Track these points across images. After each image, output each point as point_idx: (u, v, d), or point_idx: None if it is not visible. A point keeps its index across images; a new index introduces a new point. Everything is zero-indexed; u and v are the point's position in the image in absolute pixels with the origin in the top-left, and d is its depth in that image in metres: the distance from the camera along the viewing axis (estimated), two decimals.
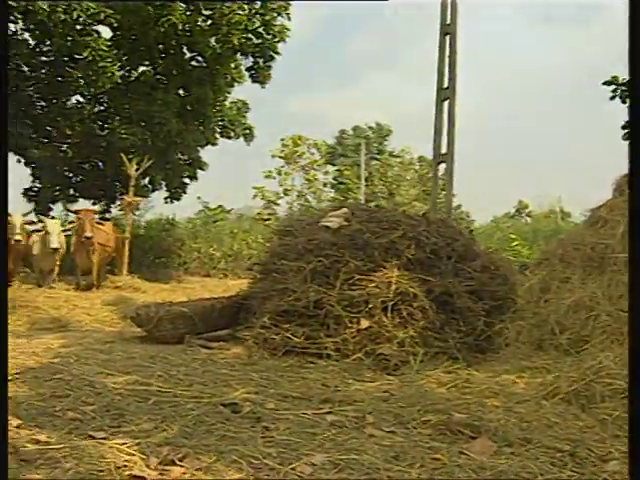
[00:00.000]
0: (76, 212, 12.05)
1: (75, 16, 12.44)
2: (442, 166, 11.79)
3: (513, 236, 17.99)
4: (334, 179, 38.78)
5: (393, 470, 2.79)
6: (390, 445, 3.12)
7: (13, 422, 3.22)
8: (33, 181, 18.59)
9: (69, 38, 13.26)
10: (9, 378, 4.17)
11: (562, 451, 3.06)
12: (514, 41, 71.86)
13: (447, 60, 11.56)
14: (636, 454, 2.34)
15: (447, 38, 11.64)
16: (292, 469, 2.77)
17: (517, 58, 68.51)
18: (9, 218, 10.53)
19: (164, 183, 17.96)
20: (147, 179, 17.16)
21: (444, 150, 11.45)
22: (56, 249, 11.09)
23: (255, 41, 15.95)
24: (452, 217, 11.84)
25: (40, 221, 11.67)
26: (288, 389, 4.22)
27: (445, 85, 11.55)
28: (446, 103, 11.47)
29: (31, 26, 14.70)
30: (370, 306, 5.52)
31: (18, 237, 10.48)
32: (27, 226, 11.14)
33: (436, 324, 5.55)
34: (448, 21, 11.67)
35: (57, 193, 18.22)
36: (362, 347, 5.30)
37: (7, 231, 10.42)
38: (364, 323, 5.44)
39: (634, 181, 2.83)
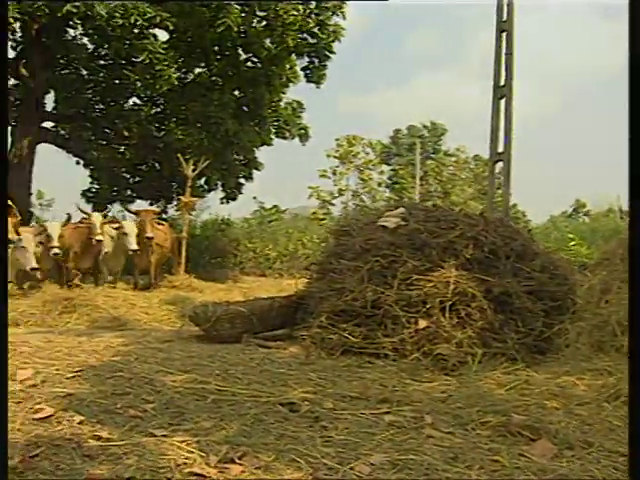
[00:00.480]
0: (136, 212, 12.23)
1: (132, 20, 12.65)
2: (498, 165, 11.67)
3: (571, 235, 17.65)
4: (389, 179, 38.74)
5: (452, 471, 2.76)
6: (449, 446, 3.08)
7: (76, 418, 3.28)
8: (92, 182, 19.00)
9: (126, 42, 13.48)
10: (71, 375, 4.26)
11: (624, 455, 2.99)
12: (572, 38, 70.82)
13: (504, 58, 11.42)
14: (636, 454, 2.32)
15: (503, 35, 11.50)
16: (351, 469, 2.76)
17: (575, 55, 67.44)
18: (91, 219, 10.78)
19: (220, 183, 18.12)
20: (203, 179, 17.33)
21: (501, 149, 11.33)
22: (135, 250, 11.26)
23: (310, 41, 16.00)
24: (509, 216, 11.69)
25: (117, 221, 11.78)
26: (346, 389, 4.19)
27: (502, 83, 11.41)
28: (503, 101, 11.34)
29: (89, 31, 15.03)
30: (428, 306, 5.48)
31: (99, 237, 10.63)
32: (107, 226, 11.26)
33: (495, 324, 5.48)
34: (504, 18, 11.53)
35: (115, 194, 18.57)
36: (420, 347, 5.26)
37: (91, 231, 10.62)
38: (422, 323, 5.40)
39: (634, 180, 2.80)
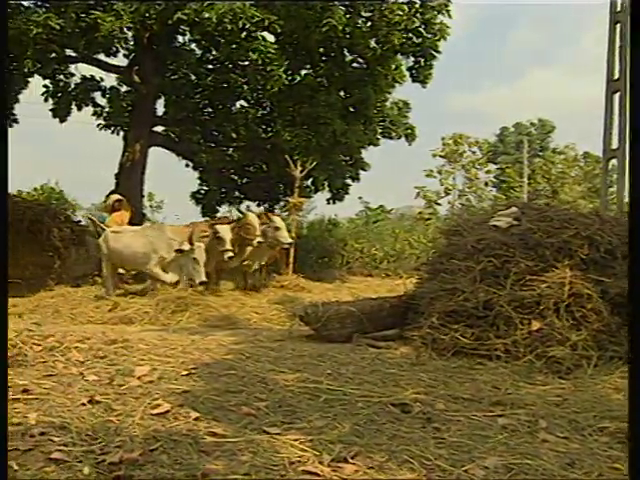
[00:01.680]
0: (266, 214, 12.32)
1: (241, 25, 12.89)
2: (612, 162, 11.26)
3: None
4: (495, 177, 37.98)
5: (569, 477, 2.70)
6: (565, 451, 3.01)
7: (192, 414, 3.37)
8: (200, 184, 19.46)
9: (235, 46, 13.75)
10: (186, 373, 4.37)
11: None
12: None
13: (617, 50, 11.01)
14: (636, 454, 2.27)
15: (617, 27, 11.09)
16: (464, 471, 2.73)
17: None
18: (249, 219, 10.89)
19: (327, 184, 18.21)
20: (310, 180, 17.47)
21: (615, 145, 10.93)
22: (290, 243, 11.54)
23: (415, 40, 15.88)
24: (624, 215, 11.26)
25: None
26: (458, 390, 4.16)
27: (616, 77, 11.01)
28: (617, 96, 10.93)
29: (197, 37, 15.44)
30: (542, 307, 5.36)
31: (260, 239, 10.75)
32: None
33: (611, 327, 5.31)
34: (618, 9, 11.12)
35: (223, 195, 18.95)
36: (533, 349, 5.14)
37: (249, 231, 10.65)
38: (535, 324, 5.29)
39: (634, 179, 2.75)
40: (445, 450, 2.99)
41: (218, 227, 10.56)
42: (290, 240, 11.34)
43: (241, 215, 11.44)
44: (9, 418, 3.15)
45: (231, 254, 10.14)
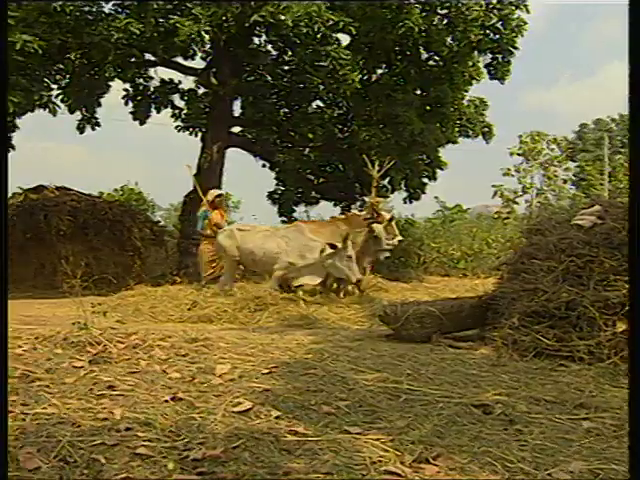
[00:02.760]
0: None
1: (316, 29, 12.94)
2: None
3: None
4: (574, 175, 37.12)
5: None
6: None
7: (273, 413, 3.40)
8: (277, 184, 19.59)
9: (310, 48, 13.81)
10: (266, 371, 4.41)
11: None
12: None
13: None
14: (636, 454, 2.23)
15: None
16: (548, 475, 2.69)
17: None
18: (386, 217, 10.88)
19: (404, 183, 18.10)
20: (387, 180, 17.40)
21: None
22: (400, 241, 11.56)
23: (493, 37, 15.66)
24: None
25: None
26: (540, 392, 4.09)
27: None
28: None
29: (274, 38, 15.56)
30: (627, 308, 5.23)
31: (400, 237, 10.93)
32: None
33: None
34: None
35: (299, 195, 19.03)
36: (618, 351, 5.01)
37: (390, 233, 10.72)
38: (620, 326, 5.15)
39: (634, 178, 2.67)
40: (528, 453, 2.94)
41: (375, 226, 10.50)
42: (401, 237, 11.26)
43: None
44: (95, 414, 3.25)
45: (388, 254, 10.08)
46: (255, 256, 10.12)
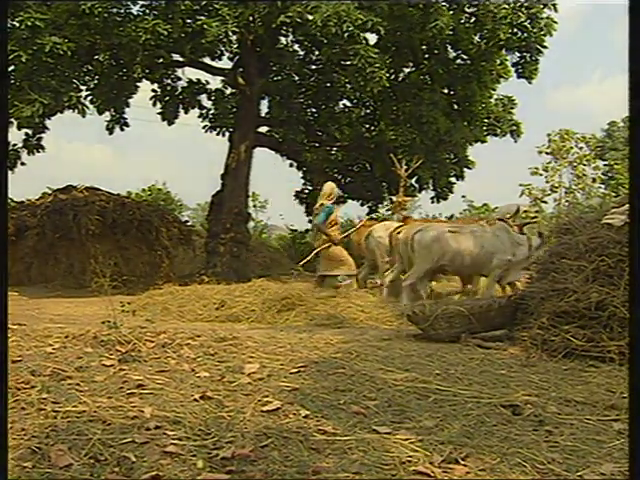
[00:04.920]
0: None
1: (345, 28, 12.91)
2: None
3: None
4: (604, 174, 36.67)
5: None
6: None
7: (302, 412, 3.42)
8: (304, 184, 19.61)
9: (337, 47, 13.78)
10: (295, 370, 4.43)
11: None
12: None
13: None
14: (636, 454, 2.22)
15: None
16: (579, 476, 2.67)
17: None
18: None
19: (431, 182, 18.02)
20: (415, 179, 17.33)
21: None
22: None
23: (521, 35, 15.52)
24: None
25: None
26: (570, 393, 4.06)
27: None
28: None
29: (300, 38, 15.56)
30: None
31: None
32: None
33: None
34: None
35: None
36: None
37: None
38: None
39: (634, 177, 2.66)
40: (558, 454, 2.93)
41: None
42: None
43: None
44: (125, 412, 3.28)
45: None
46: (462, 258, 9.66)
